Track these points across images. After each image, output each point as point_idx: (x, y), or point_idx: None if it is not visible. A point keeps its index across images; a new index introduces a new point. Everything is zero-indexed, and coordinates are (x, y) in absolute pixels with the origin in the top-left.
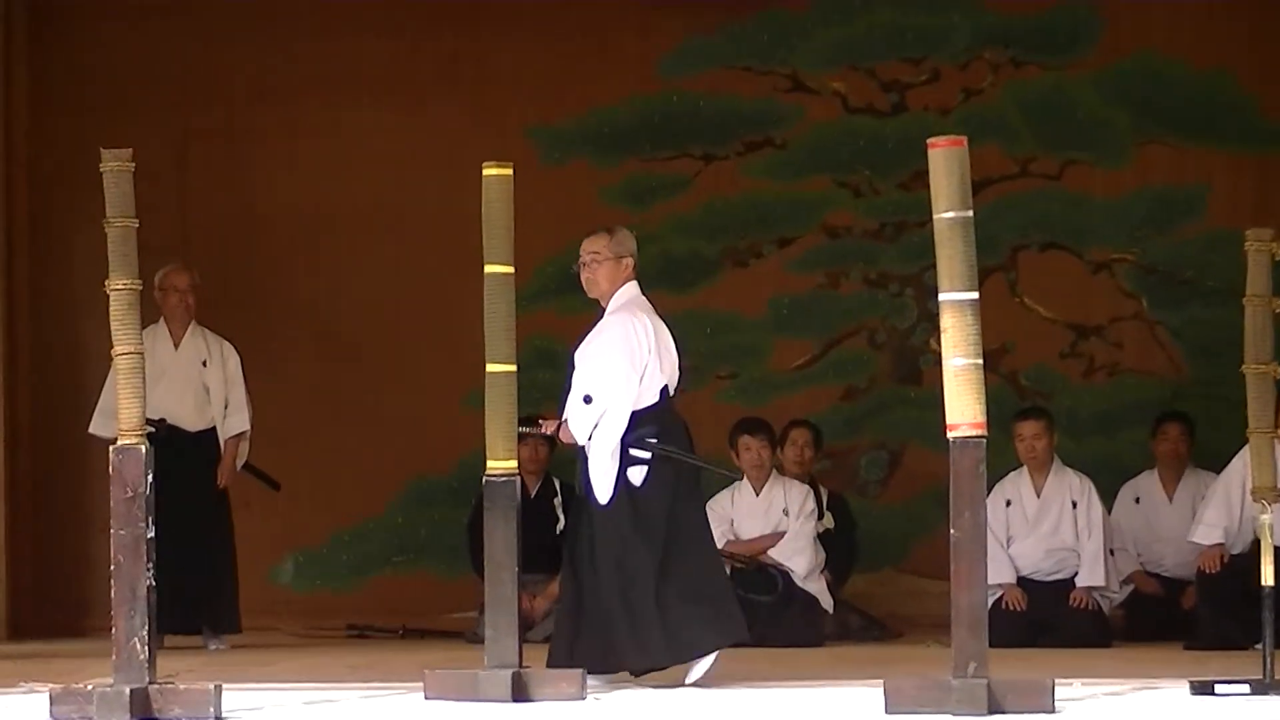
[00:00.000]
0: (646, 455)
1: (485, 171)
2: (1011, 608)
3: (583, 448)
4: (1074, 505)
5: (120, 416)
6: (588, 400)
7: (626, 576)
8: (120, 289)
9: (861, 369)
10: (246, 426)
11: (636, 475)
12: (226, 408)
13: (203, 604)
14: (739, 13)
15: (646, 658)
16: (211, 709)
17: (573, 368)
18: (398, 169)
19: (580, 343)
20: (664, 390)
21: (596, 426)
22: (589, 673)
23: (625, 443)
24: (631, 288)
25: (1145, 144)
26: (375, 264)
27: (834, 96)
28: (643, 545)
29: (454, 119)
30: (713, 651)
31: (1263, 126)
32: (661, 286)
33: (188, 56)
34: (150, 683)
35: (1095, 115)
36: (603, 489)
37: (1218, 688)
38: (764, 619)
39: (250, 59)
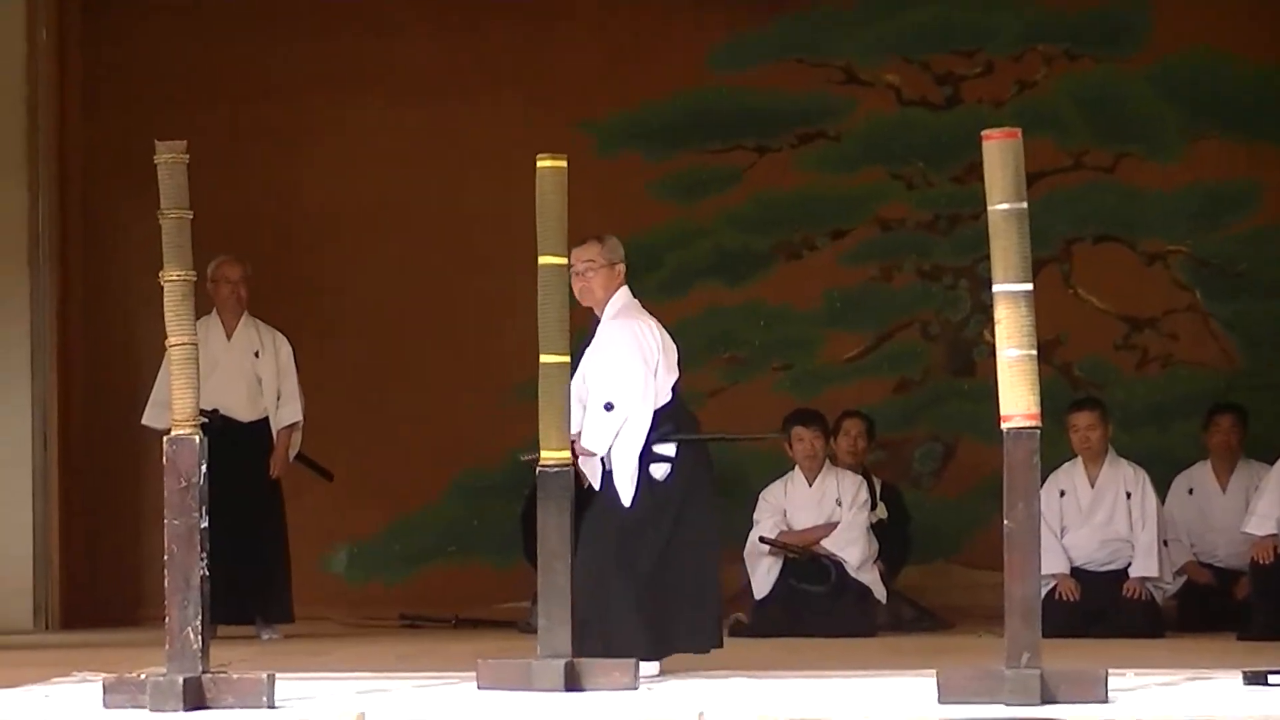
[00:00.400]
0: (670, 453)
1: (539, 163)
2: (1065, 598)
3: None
4: (1128, 496)
5: (174, 407)
6: (609, 408)
7: (642, 568)
8: (174, 280)
9: (915, 361)
10: (299, 417)
11: (660, 471)
12: (279, 398)
13: (255, 594)
14: (791, 5)
15: (638, 648)
16: (264, 698)
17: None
18: (451, 164)
19: (583, 353)
20: (674, 388)
21: (618, 435)
22: None
23: (648, 442)
24: (625, 293)
25: (1198, 138)
26: (426, 257)
27: (887, 89)
28: (656, 536)
29: (503, 114)
30: (681, 652)
31: None
32: (714, 279)
33: (237, 52)
34: (203, 672)
35: (1148, 109)
36: (627, 492)
37: (1271, 678)
38: (817, 609)
39: (301, 55)
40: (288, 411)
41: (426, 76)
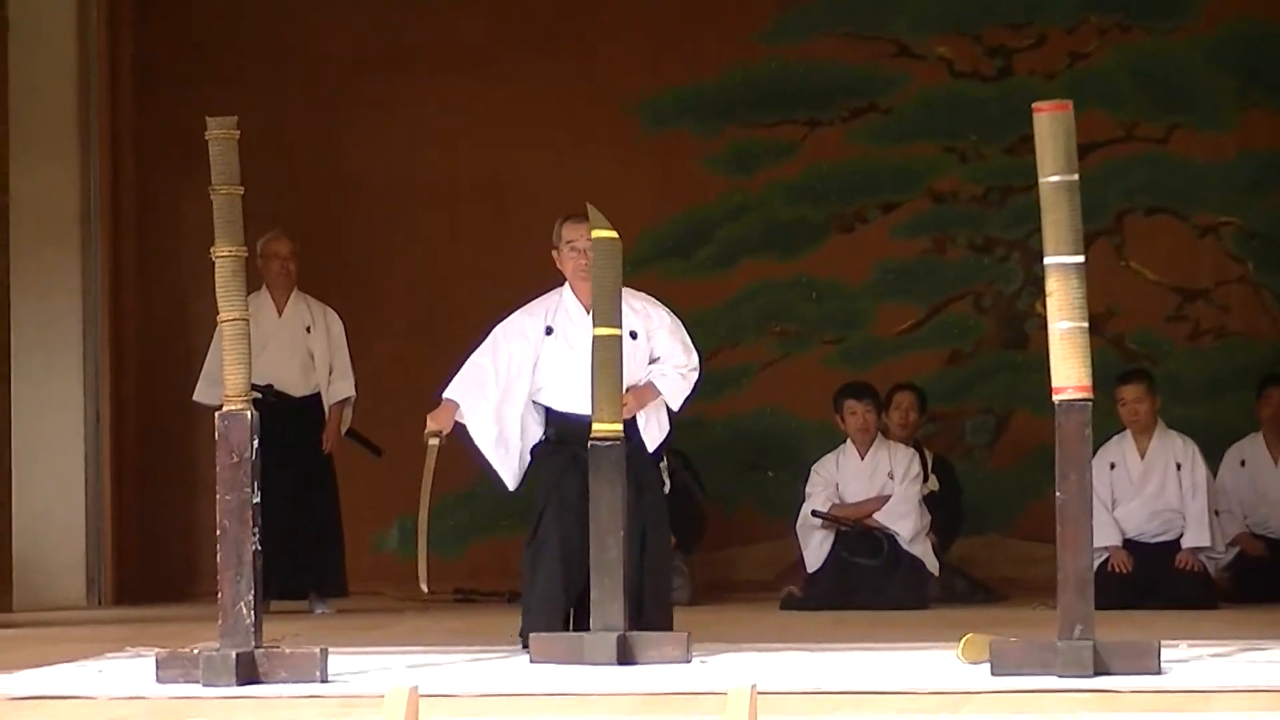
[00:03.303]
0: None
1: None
2: (1117, 570)
3: None
4: (1178, 467)
5: (226, 382)
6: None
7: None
8: (225, 255)
9: (967, 333)
10: (352, 392)
11: None
12: (331, 374)
13: (309, 568)
14: None
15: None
16: (317, 672)
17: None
18: (498, 140)
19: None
20: None
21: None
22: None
23: None
24: None
25: (1250, 109)
26: (475, 233)
27: (939, 62)
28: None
29: (557, 89)
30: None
31: None
32: (766, 253)
33: (286, 27)
34: (256, 647)
35: (1200, 80)
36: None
37: None
38: (869, 582)
39: (349, 30)
40: (341, 387)
41: (477, 50)
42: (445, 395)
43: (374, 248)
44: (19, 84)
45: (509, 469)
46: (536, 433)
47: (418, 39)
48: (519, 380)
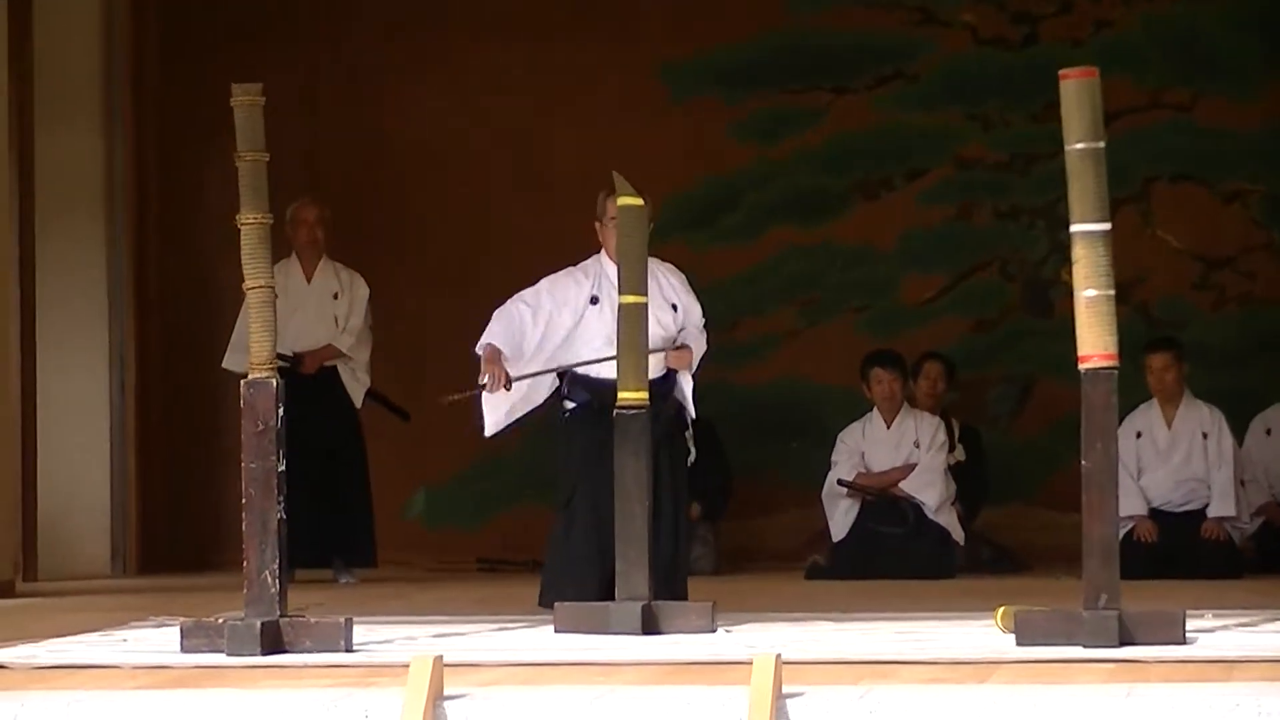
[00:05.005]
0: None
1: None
2: (1143, 539)
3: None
4: (1204, 436)
5: (251, 350)
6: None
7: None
8: (251, 223)
9: (992, 301)
10: (345, 349)
11: None
12: (344, 331)
13: (336, 538)
14: None
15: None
16: (342, 642)
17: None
18: (528, 105)
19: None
20: None
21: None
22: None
23: None
24: None
25: (1276, 76)
26: (506, 198)
27: (965, 29)
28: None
29: (585, 55)
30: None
31: None
32: (792, 220)
33: None
34: (281, 616)
35: (1227, 47)
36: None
37: None
38: (894, 551)
39: None
40: (343, 339)
41: (507, 16)
42: (486, 342)
43: (405, 213)
44: (44, 50)
45: (499, 418)
46: (544, 394)
47: (448, 2)
48: (550, 340)
